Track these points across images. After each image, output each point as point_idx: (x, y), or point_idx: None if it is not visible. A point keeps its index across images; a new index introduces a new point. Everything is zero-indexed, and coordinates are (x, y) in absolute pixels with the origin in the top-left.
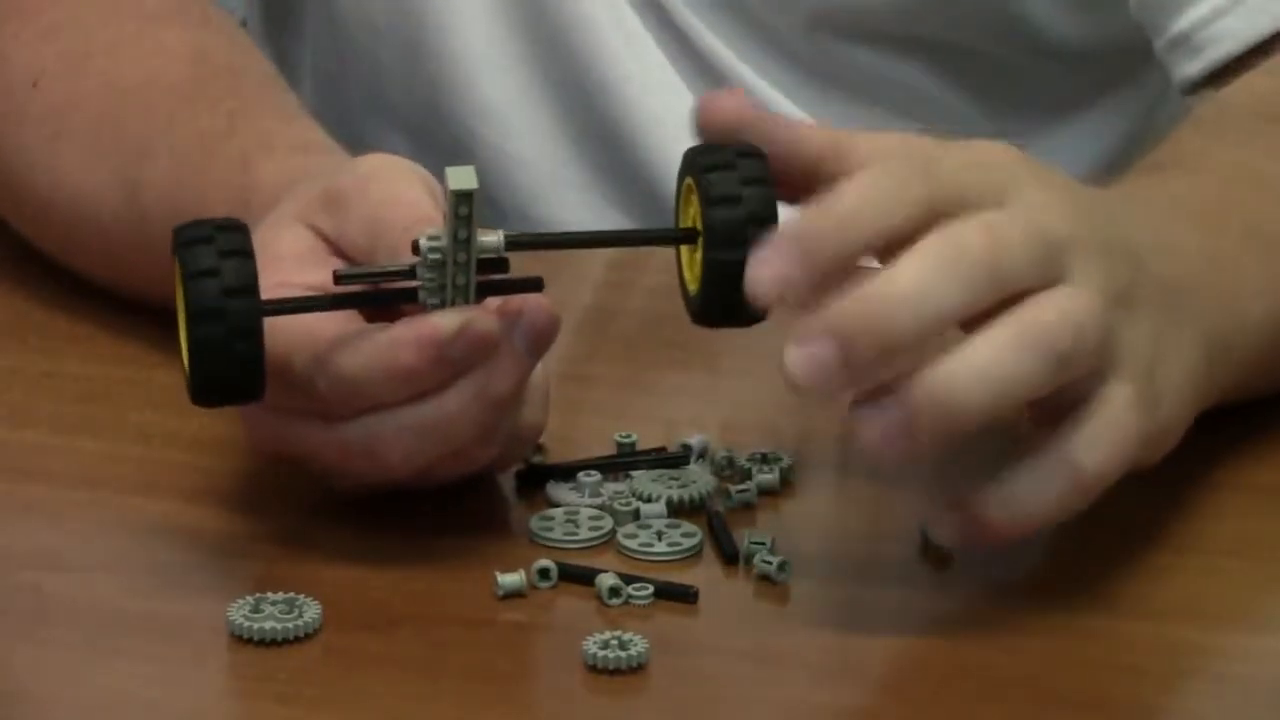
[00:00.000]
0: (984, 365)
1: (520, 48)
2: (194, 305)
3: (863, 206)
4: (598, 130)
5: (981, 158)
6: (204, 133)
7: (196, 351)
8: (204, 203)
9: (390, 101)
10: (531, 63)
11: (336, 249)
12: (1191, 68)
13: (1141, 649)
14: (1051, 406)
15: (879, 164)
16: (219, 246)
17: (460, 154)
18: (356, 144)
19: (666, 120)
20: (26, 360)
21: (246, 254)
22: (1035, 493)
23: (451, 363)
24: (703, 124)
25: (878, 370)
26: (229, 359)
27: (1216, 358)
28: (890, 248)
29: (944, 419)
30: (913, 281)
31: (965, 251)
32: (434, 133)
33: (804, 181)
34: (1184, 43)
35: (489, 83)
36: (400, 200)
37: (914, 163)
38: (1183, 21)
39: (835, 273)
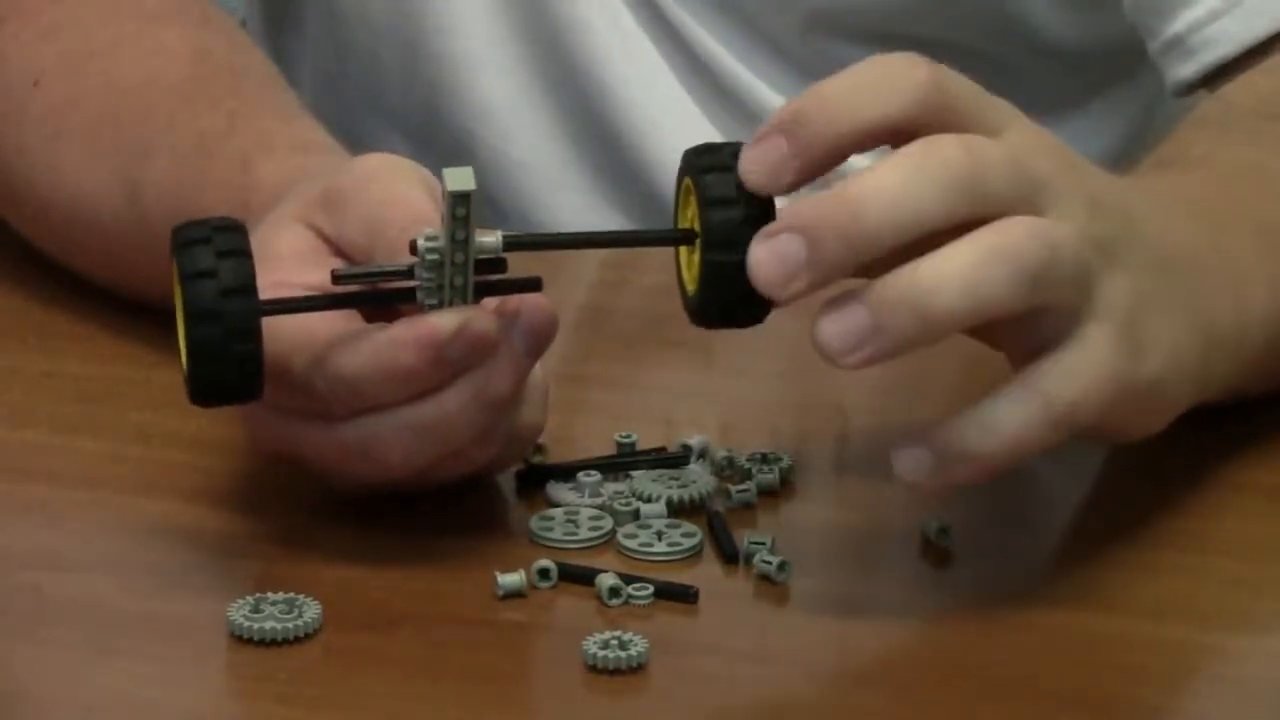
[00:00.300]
0: (955, 270)
1: (519, 49)
2: (191, 306)
3: (856, 89)
4: (596, 131)
5: (990, 98)
6: (204, 132)
7: (194, 353)
8: (204, 202)
9: (389, 102)
10: (530, 64)
11: (336, 249)
12: (1186, 70)
13: (1141, 649)
14: (1029, 349)
15: (883, 56)
16: (216, 247)
17: (459, 155)
18: (356, 144)
19: (664, 121)
20: (26, 360)
21: (244, 254)
22: (1006, 421)
23: (450, 363)
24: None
25: (845, 268)
26: (227, 360)
27: (1216, 347)
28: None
29: (912, 321)
30: (887, 181)
31: (945, 161)
32: (433, 134)
33: None
34: (1178, 45)
35: (488, 84)
36: (399, 200)
37: (919, 66)
38: (1177, 24)
39: (828, 156)
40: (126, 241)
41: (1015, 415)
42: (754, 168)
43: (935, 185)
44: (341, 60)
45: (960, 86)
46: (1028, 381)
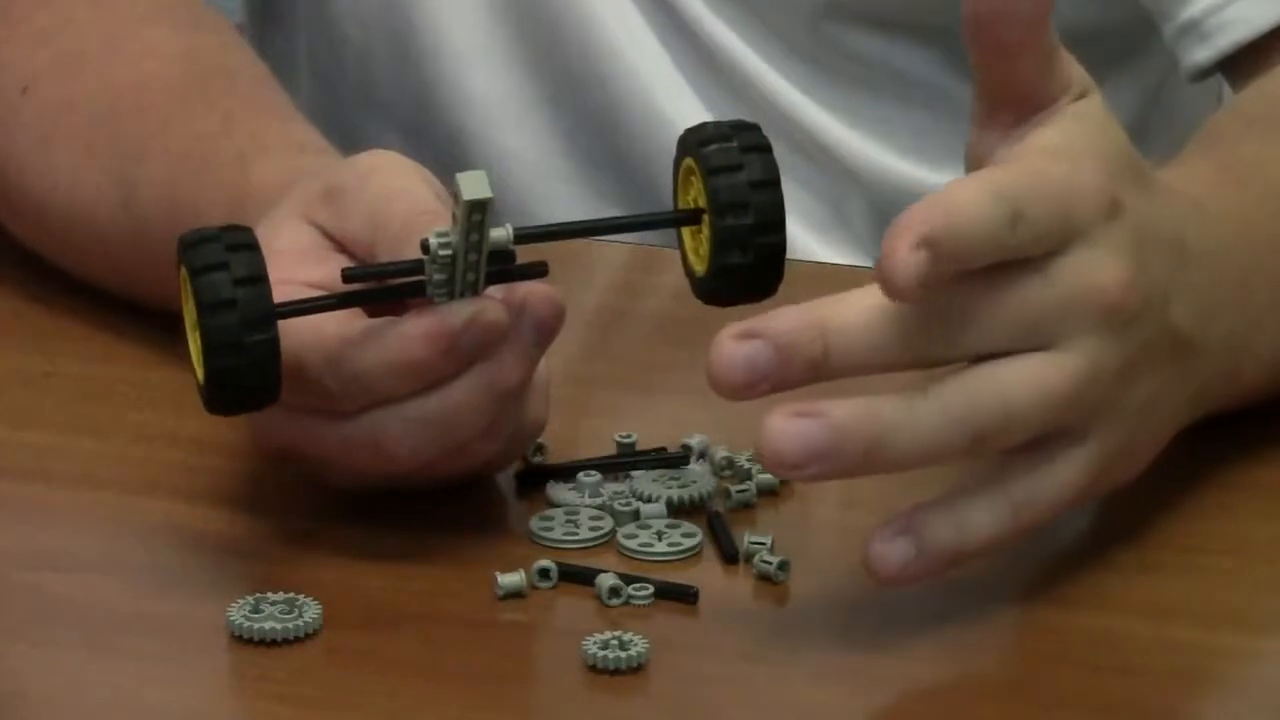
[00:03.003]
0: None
1: (513, 42)
2: (206, 298)
3: (974, 220)
4: (593, 123)
5: (1066, 202)
6: (198, 134)
7: (210, 346)
8: (200, 203)
9: (382, 98)
10: (524, 57)
11: (338, 244)
12: (1202, 54)
13: (1141, 649)
14: None
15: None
16: (226, 243)
17: (453, 149)
18: (349, 139)
19: (666, 112)
20: (26, 360)
21: (253, 248)
22: (978, 525)
23: (462, 354)
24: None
25: (804, 385)
26: (244, 350)
27: (1208, 390)
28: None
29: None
30: (862, 323)
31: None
32: (426, 128)
33: None
34: (1194, 29)
35: (480, 77)
36: (401, 193)
37: (1007, 213)
38: (1194, 8)
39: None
40: (123, 244)
41: (988, 523)
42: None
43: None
44: (334, 55)
45: (1032, 238)
46: (1003, 492)
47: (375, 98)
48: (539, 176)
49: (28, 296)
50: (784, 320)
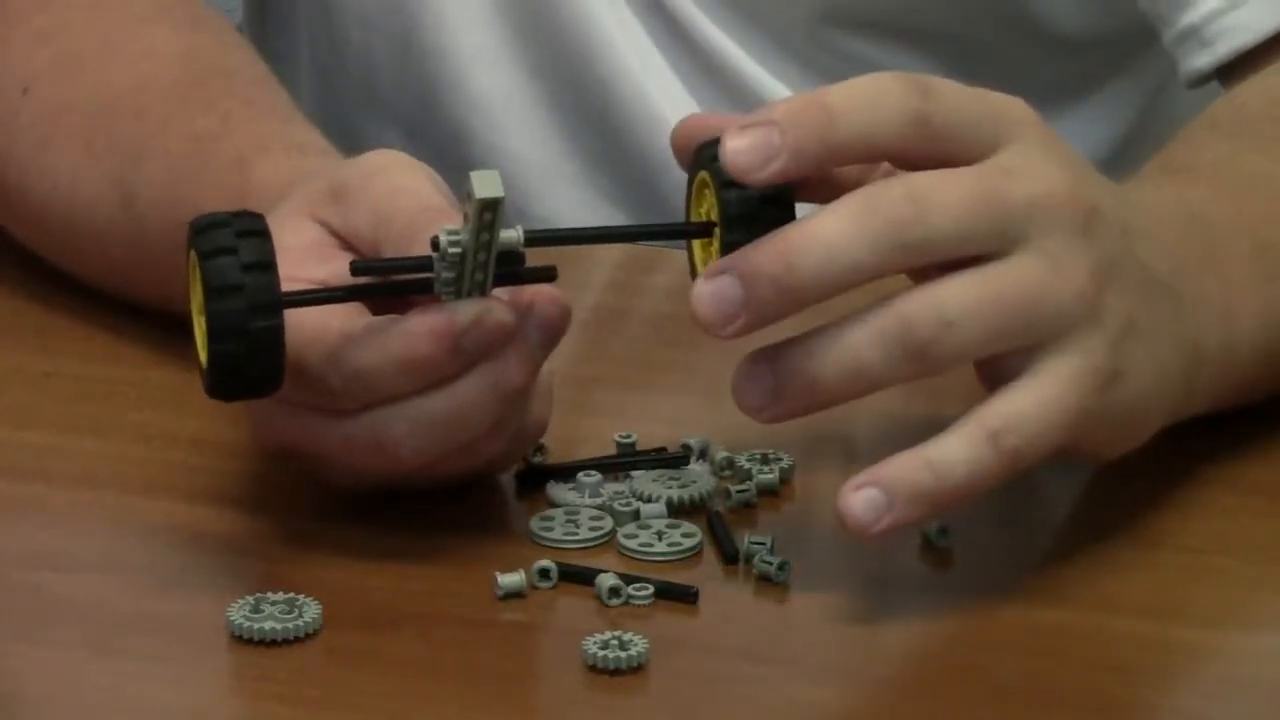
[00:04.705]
0: (843, 351)
1: (514, 42)
2: (213, 282)
3: (852, 103)
4: (593, 125)
5: (991, 103)
6: (198, 135)
7: (215, 330)
8: (200, 204)
9: (384, 97)
10: (526, 57)
11: (344, 242)
12: (1200, 60)
13: (1141, 649)
14: (994, 374)
15: (877, 76)
16: (236, 229)
17: (455, 149)
18: (350, 139)
19: (663, 114)
20: (26, 360)
21: (264, 235)
22: (955, 463)
23: (466, 353)
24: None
25: (782, 313)
26: (249, 336)
27: (1200, 366)
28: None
29: (778, 287)
30: (824, 233)
31: (886, 215)
32: (428, 128)
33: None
34: (1194, 35)
35: (483, 78)
36: (406, 191)
37: (917, 82)
38: (1193, 14)
39: (813, 164)
40: (123, 245)
41: (963, 458)
42: (742, 151)
43: (871, 241)
44: (335, 55)
45: (951, 109)
46: (979, 420)
47: (376, 97)
48: (540, 176)
49: (28, 296)
50: (751, 248)
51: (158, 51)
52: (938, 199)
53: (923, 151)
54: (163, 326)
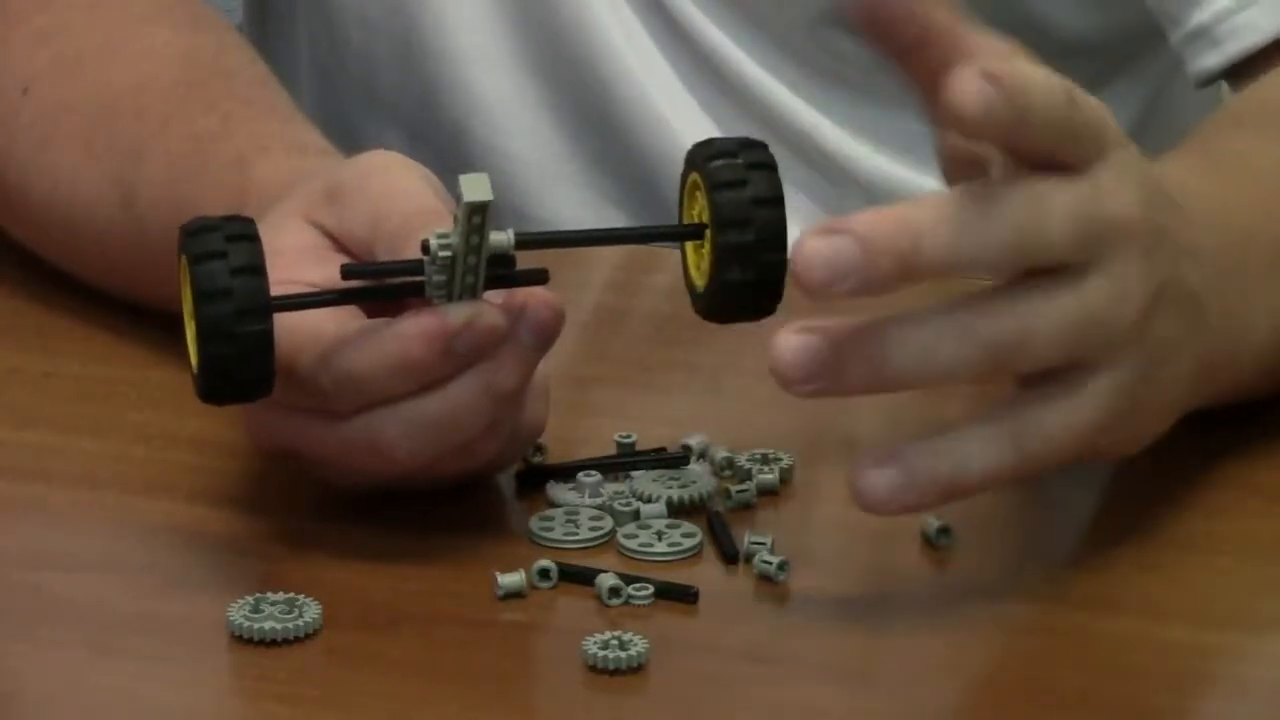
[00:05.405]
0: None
1: (515, 44)
2: (202, 286)
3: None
4: (594, 126)
5: (1081, 114)
6: (198, 135)
7: (204, 334)
8: (200, 205)
9: (385, 98)
10: (527, 59)
11: (339, 244)
12: (1210, 60)
13: (1141, 649)
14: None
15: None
16: (226, 233)
17: (456, 151)
18: (351, 140)
19: (666, 116)
20: (26, 360)
21: (253, 239)
22: (975, 461)
23: (458, 356)
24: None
25: (888, 287)
26: (237, 340)
27: (1209, 371)
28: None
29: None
30: (951, 220)
31: (1007, 216)
32: (429, 130)
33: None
34: (1204, 35)
35: (484, 79)
36: (401, 192)
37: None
38: (1203, 14)
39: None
40: (123, 246)
41: (985, 457)
42: (816, 261)
43: (996, 237)
44: (335, 55)
45: (1044, 129)
46: (1004, 423)
47: (378, 98)
48: (541, 178)
49: (28, 296)
50: (866, 217)
51: (157, 52)
52: (1052, 209)
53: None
54: (163, 326)
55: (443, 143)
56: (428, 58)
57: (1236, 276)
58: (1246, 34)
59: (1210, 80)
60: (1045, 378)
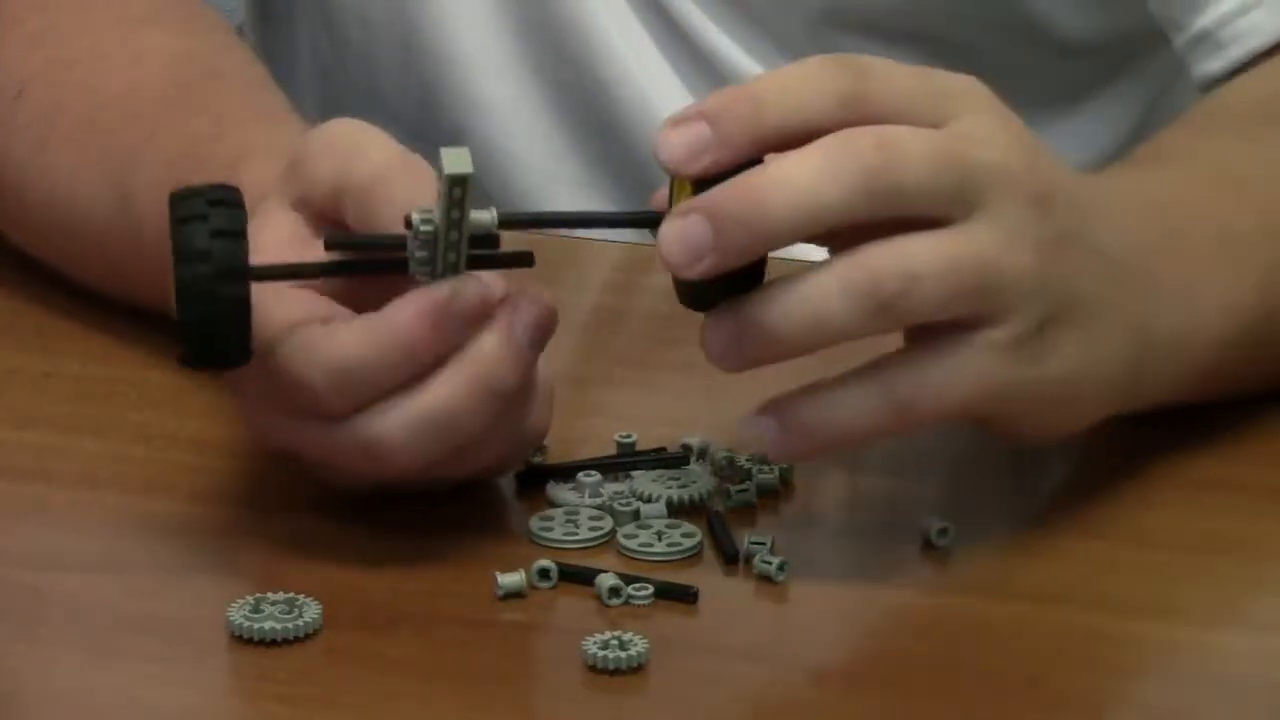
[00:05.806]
0: (807, 297)
1: (515, 44)
2: (183, 249)
3: (780, 89)
4: (594, 127)
5: (937, 80)
6: (193, 137)
7: (183, 295)
8: None
9: (385, 98)
10: (527, 59)
11: (315, 215)
12: (1214, 65)
13: (1141, 649)
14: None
15: (813, 59)
16: (209, 197)
17: None
18: None
19: (664, 115)
20: (26, 360)
21: (237, 205)
22: (847, 412)
23: (445, 332)
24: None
25: (749, 254)
26: (215, 301)
27: (1152, 352)
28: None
29: (747, 227)
30: (794, 175)
31: (855, 155)
32: (429, 129)
33: None
34: (1207, 39)
35: (484, 79)
36: (367, 144)
37: (851, 64)
38: (1206, 18)
39: (746, 150)
40: (121, 248)
41: (856, 408)
42: (674, 145)
43: (842, 183)
44: (336, 55)
45: (888, 88)
46: (882, 373)
47: (378, 98)
48: (541, 177)
49: (27, 296)
50: (720, 188)
51: (148, 57)
52: (906, 149)
53: None
54: (162, 327)
55: (442, 143)
56: (428, 58)
57: (1174, 255)
58: (1250, 37)
59: (1214, 84)
60: (935, 332)
